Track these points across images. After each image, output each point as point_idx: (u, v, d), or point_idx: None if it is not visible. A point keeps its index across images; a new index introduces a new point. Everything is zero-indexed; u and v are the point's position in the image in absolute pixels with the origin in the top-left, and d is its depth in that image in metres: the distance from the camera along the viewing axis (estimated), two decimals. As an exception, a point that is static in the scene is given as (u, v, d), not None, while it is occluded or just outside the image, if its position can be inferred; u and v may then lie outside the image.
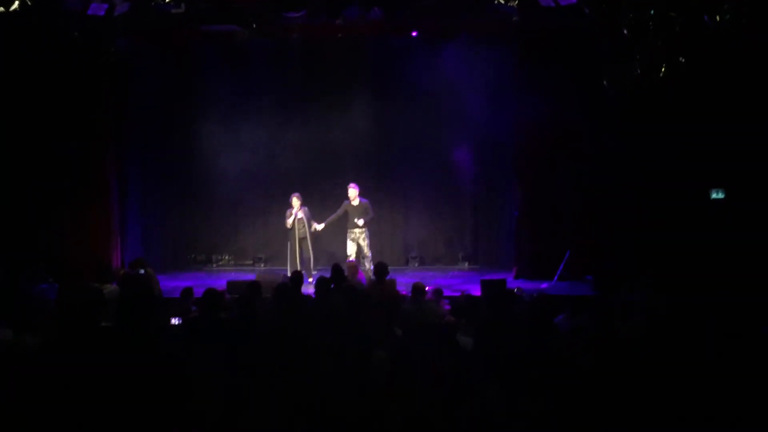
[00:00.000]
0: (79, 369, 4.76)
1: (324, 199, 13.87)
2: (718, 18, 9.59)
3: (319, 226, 12.72)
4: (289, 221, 12.52)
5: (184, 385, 4.77)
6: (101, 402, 4.54)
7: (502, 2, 10.86)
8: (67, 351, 5.05)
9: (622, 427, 4.25)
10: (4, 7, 10.13)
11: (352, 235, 12.64)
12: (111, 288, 9.21)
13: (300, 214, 12.51)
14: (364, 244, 12.61)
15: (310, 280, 11.92)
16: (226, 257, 15.50)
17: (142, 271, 9.74)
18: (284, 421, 4.65)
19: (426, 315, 7.57)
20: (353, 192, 12.61)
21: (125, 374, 4.70)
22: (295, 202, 12.54)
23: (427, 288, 9.04)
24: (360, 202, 12.62)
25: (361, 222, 12.50)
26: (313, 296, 8.52)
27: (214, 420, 4.67)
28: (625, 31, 10.03)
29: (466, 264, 15.10)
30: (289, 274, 11.09)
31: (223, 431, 4.67)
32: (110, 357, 4.96)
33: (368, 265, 12.36)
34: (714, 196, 12.03)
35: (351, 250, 12.65)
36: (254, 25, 11.82)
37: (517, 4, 10.97)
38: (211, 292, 6.85)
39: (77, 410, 4.52)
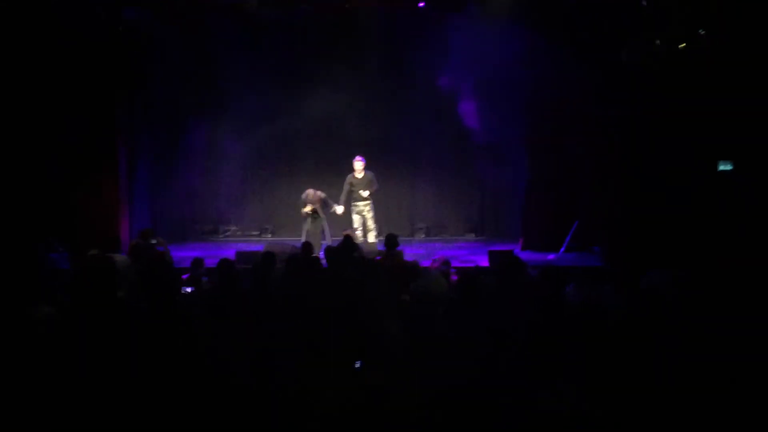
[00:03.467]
0: (99, 339, 4.82)
1: (330, 169, 13.86)
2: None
3: (339, 209, 12.61)
4: (304, 211, 12.40)
5: (202, 354, 4.83)
6: (121, 371, 4.60)
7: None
8: (86, 321, 5.12)
9: (638, 398, 4.29)
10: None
11: (357, 208, 12.63)
12: (121, 258, 9.25)
13: (315, 209, 12.37)
14: (369, 216, 12.59)
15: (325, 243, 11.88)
16: (233, 228, 15.53)
17: (153, 241, 9.78)
18: (302, 391, 4.71)
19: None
20: (359, 164, 12.57)
21: (145, 344, 4.77)
22: (308, 207, 12.35)
23: (435, 257, 9.10)
24: (365, 174, 12.60)
25: (365, 193, 12.47)
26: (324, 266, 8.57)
27: (234, 389, 4.73)
28: (644, 3, 9.94)
29: (473, 235, 15.14)
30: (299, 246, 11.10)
31: (242, 401, 4.73)
32: (129, 327, 5.03)
33: (372, 238, 12.37)
34: (722, 167, 12.03)
35: (357, 223, 12.64)
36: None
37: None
38: (225, 263, 6.92)
39: (97, 380, 4.58)
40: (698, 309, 5.62)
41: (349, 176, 12.62)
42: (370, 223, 12.58)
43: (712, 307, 5.66)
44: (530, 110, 13.29)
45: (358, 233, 12.49)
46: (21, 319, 5.23)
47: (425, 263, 9.36)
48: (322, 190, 12.57)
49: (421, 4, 13.41)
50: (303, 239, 12.15)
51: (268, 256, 8.07)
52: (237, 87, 14.34)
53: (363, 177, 12.56)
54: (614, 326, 5.23)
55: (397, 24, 14.05)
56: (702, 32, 10.05)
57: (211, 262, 8.73)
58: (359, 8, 13.13)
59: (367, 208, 12.59)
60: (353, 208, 12.65)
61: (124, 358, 4.60)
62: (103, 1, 11.97)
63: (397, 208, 15.02)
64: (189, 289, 7.87)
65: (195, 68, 14.49)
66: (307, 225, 12.38)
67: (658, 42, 10.31)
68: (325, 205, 12.45)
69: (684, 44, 10.03)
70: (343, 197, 12.66)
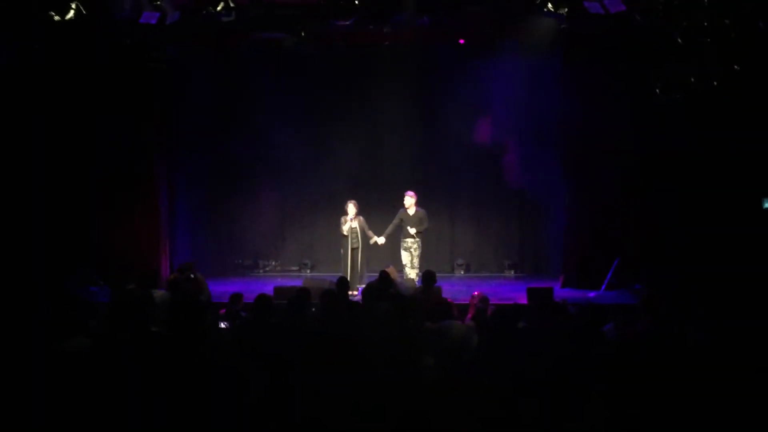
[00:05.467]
0: (130, 370, 4.84)
1: (369, 205, 13.87)
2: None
3: (380, 240, 12.56)
4: (345, 228, 12.41)
5: (234, 387, 4.82)
6: (151, 402, 4.61)
7: (551, 10, 10.77)
8: (118, 353, 5.14)
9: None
10: (59, 16, 10.35)
11: (406, 245, 12.50)
12: (160, 293, 9.30)
13: (355, 224, 12.43)
14: (416, 254, 12.46)
15: (360, 287, 11.88)
16: (273, 263, 15.59)
17: (191, 276, 9.84)
18: (333, 425, 4.67)
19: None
20: (410, 200, 12.46)
21: (175, 376, 4.78)
22: (351, 209, 12.42)
23: (474, 293, 9.03)
24: (416, 210, 12.51)
25: (413, 231, 12.39)
26: (361, 303, 8.54)
27: (263, 421, 4.71)
28: (679, 39, 9.89)
29: (513, 272, 15.01)
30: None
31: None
32: (161, 360, 5.04)
33: (413, 275, 12.29)
34: (767, 205, 11.83)
35: (406, 260, 12.50)
36: (302, 33, 11.89)
37: (566, 12, 10.88)
38: (263, 298, 6.94)
39: (127, 410, 4.60)
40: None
41: (401, 211, 12.52)
42: (416, 261, 12.47)
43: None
44: (567, 146, 13.25)
45: (407, 270, 12.43)
46: (53, 350, 5.27)
47: (463, 299, 9.30)
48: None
49: (461, 41, 13.48)
50: (342, 271, 12.18)
51: (303, 292, 8.06)
52: (274, 121, 14.47)
53: (414, 214, 12.46)
54: (650, 365, 5.12)
55: (437, 59, 14.14)
56: (737, 68, 9.96)
57: (249, 298, 8.75)
58: (398, 44, 13.21)
59: (415, 245, 12.45)
60: (402, 244, 12.54)
61: (153, 392, 4.61)
62: (147, 39, 12.21)
63: (437, 245, 14.94)
64: (225, 324, 7.89)
65: (233, 102, 14.73)
66: (347, 257, 12.38)
67: (693, 79, 10.24)
68: (363, 231, 12.46)
69: (718, 81, 9.94)
70: (389, 229, 12.59)
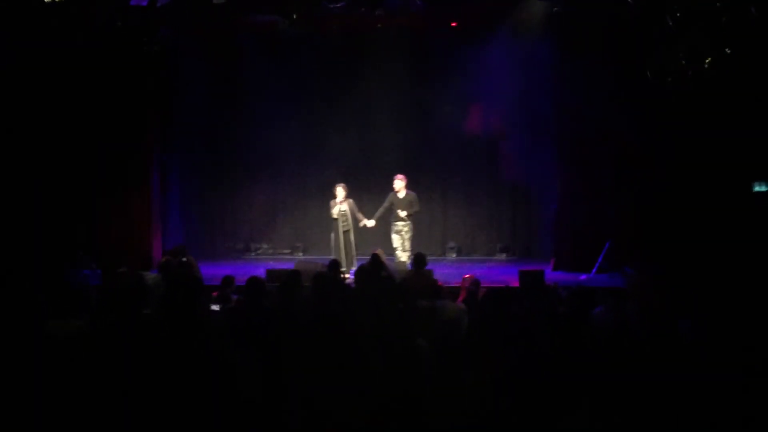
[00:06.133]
0: (124, 354, 4.86)
1: (362, 189, 13.89)
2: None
3: (370, 223, 12.56)
4: (334, 211, 12.40)
5: (226, 370, 4.85)
6: (145, 386, 4.64)
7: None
8: (112, 336, 5.16)
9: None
10: (49, -3, 10.30)
11: (396, 228, 12.49)
12: (152, 276, 9.32)
13: (345, 206, 12.43)
14: (407, 237, 12.48)
15: (352, 269, 11.92)
16: (265, 246, 15.61)
17: (183, 259, 9.85)
18: (326, 408, 4.70)
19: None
20: (399, 183, 12.43)
21: (169, 359, 4.80)
22: (340, 192, 12.39)
23: (465, 276, 9.06)
24: (406, 193, 12.51)
25: (403, 213, 12.42)
26: (353, 285, 8.56)
27: (255, 405, 4.74)
28: (670, 22, 9.89)
29: (504, 255, 15.05)
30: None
31: (264, 417, 4.74)
32: (154, 343, 5.06)
33: (404, 258, 12.33)
34: (757, 188, 11.88)
35: (397, 243, 12.49)
36: (295, 16, 11.85)
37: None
38: (254, 280, 6.94)
39: (121, 393, 4.62)
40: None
41: (391, 194, 12.50)
42: (407, 244, 12.49)
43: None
44: (559, 130, 13.27)
45: (398, 253, 12.47)
46: (46, 332, 5.30)
47: (455, 282, 9.33)
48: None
49: (454, 24, 13.46)
50: (333, 255, 12.21)
51: (294, 275, 8.07)
52: (267, 105, 14.52)
53: (404, 197, 12.46)
54: (636, 349, 5.16)
55: (430, 43, 14.13)
56: (728, 51, 9.98)
57: (241, 280, 8.76)
58: (390, 28, 13.18)
59: (406, 228, 12.45)
60: (392, 227, 12.53)
61: (146, 374, 4.63)
62: (138, 21, 12.14)
63: (429, 228, 14.98)
64: (217, 307, 7.91)
65: (226, 86, 14.73)
66: (340, 240, 12.40)
67: (683, 61, 10.25)
68: (353, 213, 12.49)
69: (709, 61, 9.95)
70: (379, 212, 12.59)
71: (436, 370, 5.19)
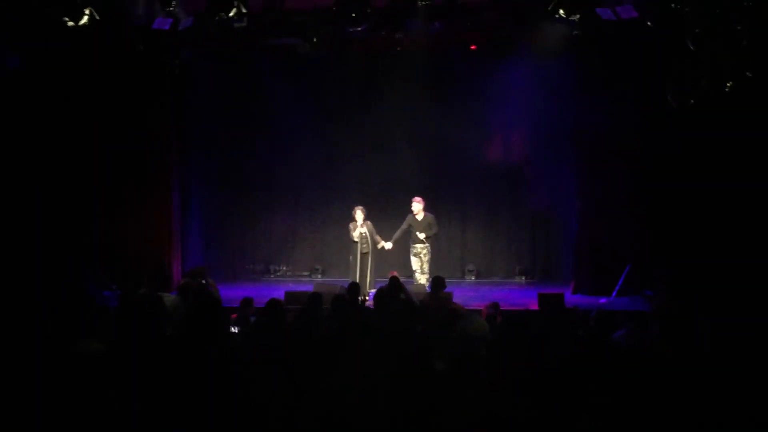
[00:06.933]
0: (144, 375, 4.87)
1: (381, 212, 13.91)
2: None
3: (388, 245, 12.58)
4: (355, 234, 12.40)
5: (245, 391, 4.85)
6: (165, 407, 4.64)
7: (563, 16, 10.77)
8: (128, 356, 5.18)
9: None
10: (74, 21, 10.43)
11: (415, 250, 12.51)
12: (171, 297, 9.35)
13: (364, 229, 12.48)
14: (425, 259, 12.47)
15: (371, 292, 11.92)
16: (284, 268, 15.61)
17: (203, 281, 9.87)
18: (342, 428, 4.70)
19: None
20: (417, 206, 12.48)
21: (189, 380, 4.81)
22: (359, 215, 12.42)
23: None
24: (425, 215, 12.53)
25: (422, 236, 12.42)
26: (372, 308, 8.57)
27: (274, 425, 4.73)
28: (690, 45, 9.88)
29: (524, 278, 14.97)
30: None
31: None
32: (174, 364, 5.07)
33: (423, 280, 12.31)
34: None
35: (416, 265, 12.51)
36: (315, 39, 11.94)
37: (578, 18, 10.88)
38: (274, 302, 6.98)
39: (139, 413, 4.63)
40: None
41: (410, 216, 12.54)
42: (426, 267, 12.49)
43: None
44: (580, 153, 13.24)
45: (417, 276, 12.47)
46: (69, 353, 5.32)
47: (474, 305, 9.32)
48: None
49: (473, 47, 13.50)
50: (352, 277, 12.21)
51: (315, 297, 8.10)
52: (287, 128, 14.63)
53: (423, 219, 12.49)
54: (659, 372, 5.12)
55: (449, 65, 14.16)
56: (749, 75, 9.95)
57: (260, 302, 8.78)
58: (410, 51, 13.23)
59: (425, 251, 12.47)
60: (411, 249, 12.55)
61: (167, 395, 4.64)
62: (160, 44, 12.29)
63: (447, 250, 14.96)
64: (236, 329, 7.92)
65: (246, 108, 14.83)
66: (358, 262, 12.40)
67: (704, 83, 10.23)
68: (372, 235, 12.50)
69: (730, 85, 9.92)
70: (397, 234, 12.61)
71: (452, 390, 5.18)
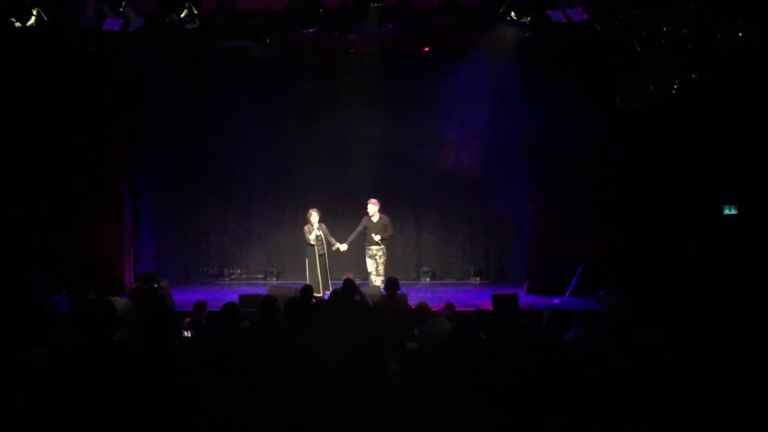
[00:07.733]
0: (90, 382, 4.78)
1: (335, 214, 13.92)
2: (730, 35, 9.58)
3: (343, 246, 12.64)
4: (312, 237, 12.44)
5: (198, 397, 4.79)
6: (115, 413, 4.57)
7: (514, 18, 10.85)
8: (77, 364, 5.08)
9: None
10: (20, 22, 10.22)
11: (370, 252, 12.56)
12: (122, 302, 9.21)
13: (320, 231, 12.48)
14: (381, 261, 12.53)
15: (328, 292, 11.96)
16: (238, 271, 15.52)
17: (155, 285, 9.75)
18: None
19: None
20: (373, 208, 12.54)
21: (138, 387, 4.73)
22: (315, 217, 12.47)
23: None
24: (380, 217, 12.59)
25: (377, 237, 12.45)
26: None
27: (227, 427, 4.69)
28: (638, 48, 10.02)
29: (478, 279, 15.07)
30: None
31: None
32: (123, 370, 4.99)
33: (378, 282, 12.33)
34: (727, 212, 12.02)
35: (371, 267, 12.56)
36: (267, 41, 11.88)
37: (529, 21, 10.97)
38: (230, 306, 6.94)
39: (88, 423, 4.55)
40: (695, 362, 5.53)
41: (365, 218, 12.60)
42: (381, 268, 12.52)
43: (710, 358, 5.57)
44: (533, 155, 13.35)
45: (372, 278, 12.49)
46: (14, 361, 5.21)
47: (434, 307, 9.33)
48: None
49: (426, 49, 13.54)
50: (308, 279, 12.22)
51: (269, 300, 8.04)
52: (240, 130, 14.54)
53: (378, 221, 12.54)
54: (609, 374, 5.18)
55: (402, 67, 14.19)
56: (694, 76, 10.15)
57: (214, 306, 8.71)
58: (363, 53, 13.24)
59: (380, 252, 12.52)
60: (366, 251, 12.60)
61: (116, 402, 4.56)
62: (110, 46, 12.11)
63: (403, 252, 15.00)
64: (189, 333, 7.84)
65: (198, 110, 14.73)
66: (315, 264, 12.40)
67: (651, 87, 10.41)
68: (327, 237, 12.53)
69: (676, 87, 10.11)
70: (352, 236, 12.64)
71: (408, 392, 5.18)
